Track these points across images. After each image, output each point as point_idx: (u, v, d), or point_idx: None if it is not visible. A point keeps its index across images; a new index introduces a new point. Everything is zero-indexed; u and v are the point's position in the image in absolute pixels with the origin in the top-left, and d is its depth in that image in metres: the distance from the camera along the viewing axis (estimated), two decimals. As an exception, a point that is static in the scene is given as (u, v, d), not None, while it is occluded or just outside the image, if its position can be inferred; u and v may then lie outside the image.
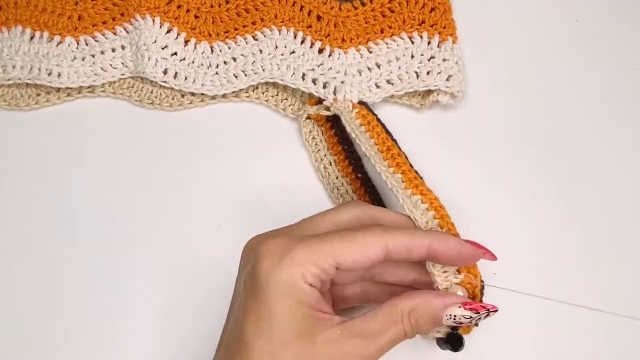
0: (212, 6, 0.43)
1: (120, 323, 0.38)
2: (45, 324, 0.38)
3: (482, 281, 0.31)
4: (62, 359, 0.37)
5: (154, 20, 0.42)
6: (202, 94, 0.42)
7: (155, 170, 0.41)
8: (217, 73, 0.41)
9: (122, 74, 0.42)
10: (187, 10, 0.42)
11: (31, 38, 0.43)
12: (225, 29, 0.42)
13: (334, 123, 0.40)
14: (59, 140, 0.42)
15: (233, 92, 0.42)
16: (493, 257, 0.31)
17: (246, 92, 0.42)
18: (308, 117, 0.41)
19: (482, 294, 0.31)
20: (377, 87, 0.40)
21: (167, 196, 0.41)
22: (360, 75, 0.40)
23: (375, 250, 0.28)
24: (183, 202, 0.40)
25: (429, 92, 0.40)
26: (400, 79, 0.40)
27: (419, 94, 0.41)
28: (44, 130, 0.43)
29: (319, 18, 0.41)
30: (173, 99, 0.42)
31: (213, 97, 0.42)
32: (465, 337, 0.31)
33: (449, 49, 0.40)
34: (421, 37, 0.41)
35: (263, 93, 0.42)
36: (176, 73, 0.41)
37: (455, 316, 0.29)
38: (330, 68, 0.40)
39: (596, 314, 0.30)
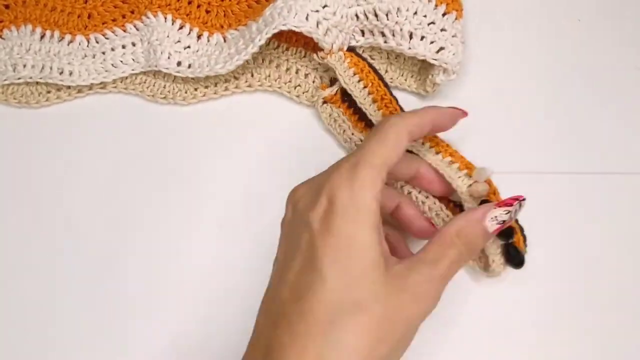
0: (222, 0, 0.43)
1: (120, 322, 0.38)
2: (47, 323, 0.38)
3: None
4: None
5: (165, 18, 0.42)
6: (216, 84, 0.42)
7: (168, 165, 0.41)
8: (229, 54, 0.41)
9: (133, 70, 0.42)
10: (198, 6, 0.43)
11: (41, 37, 0.43)
12: (237, 20, 0.42)
13: (351, 102, 0.40)
14: (70, 137, 0.42)
15: (247, 81, 0.42)
16: (464, 113, 0.35)
17: (259, 82, 0.42)
18: (324, 102, 0.41)
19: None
20: (370, 33, 0.40)
21: (182, 191, 0.40)
22: (357, 20, 0.39)
23: (405, 141, 0.30)
24: (201, 196, 0.40)
25: (426, 73, 0.40)
26: (392, 34, 0.39)
27: (419, 78, 0.41)
28: (55, 127, 0.42)
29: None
30: (186, 92, 0.42)
31: (226, 88, 0.42)
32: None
33: (450, 21, 0.39)
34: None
35: (276, 80, 0.42)
36: (190, 64, 0.41)
37: (495, 217, 0.31)
38: (334, 13, 0.39)
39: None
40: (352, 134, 0.40)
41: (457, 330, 0.36)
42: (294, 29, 0.38)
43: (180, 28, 0.42)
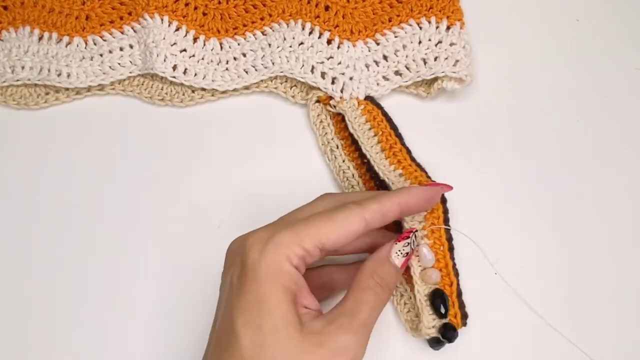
0: (219, 2, 0.43)
1: (120, 320, 0.38)
2: (49, 322, 0.38)
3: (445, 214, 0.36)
4: (65, 357, 0.37)
5: (162, 19, 0.42)
6: (213, 89, 0.42)
7: (166, 166, 0.41)
8: (227, 69, 0.42)
9: (131, 72, 0.42)
10: (195, 8, 0.43)
11: (40, 39, 0.43)
12: (234, 26, 0.43)
13: None
14: (68, 139, 0.42)
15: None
16: (449, 187, 0.36)
17: (256, 83, 0.42)
18: (317, 101, 0.41)
19: (450, 243, 0.36)
20: (385, 79, 0.41)
21: (179, 192, 0.41)
22: (368, 70, 0.41)
23: (356, 224, 0.30)
24: (196, 198, 0.40)
25: (434, 79, 0.41)
26: (408, 69, 0.40)
27: (425, 83, 0.42)
28: (53, 129, 0.43)
29: (327, 8, 0.42)
30: (184, 94, 0.43)
31: (224, 92, 0.42)
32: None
33: (456, 33, 0.40)
34: (429, 21, 0.41)
35: (272, 81, 0.42)
36: (186, 69, 0.41)
37: (399, 251, 0.32)
38: (340, 62, 0.41)
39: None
40: (332, 138, 0.40)
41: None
42: (300, 79, 0.41)
43: (177, 30, 0.42)
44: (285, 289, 0.28)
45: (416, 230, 0.34)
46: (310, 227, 0.29)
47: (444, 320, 0.34)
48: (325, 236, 0.29)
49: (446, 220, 0.36)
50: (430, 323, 0.34)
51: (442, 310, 0.34)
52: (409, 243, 0.33)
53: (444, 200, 0.36)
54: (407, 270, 0.35)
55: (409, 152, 0.39)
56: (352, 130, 0.39)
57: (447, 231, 0.36)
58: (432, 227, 0.35)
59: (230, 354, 0.27)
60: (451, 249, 0.36)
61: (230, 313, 0.28)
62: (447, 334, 0.34)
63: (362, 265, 0.31)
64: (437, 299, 0.34)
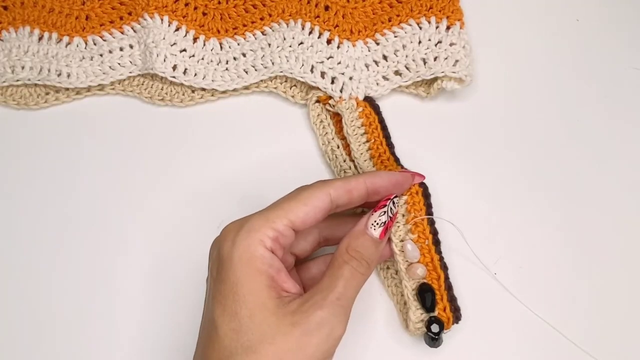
0: (219, 2, 0.43)
1: (120, 321, 0.38)
2: (49, 323, 0.38)
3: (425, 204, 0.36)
4: (66, 357, 0.38)
5: (162, 19, 0.42)
6: (213, 88, 0.42)
7: (166, 166, 0.41)
8: (227, 69, 0.42)
9: (131, 72, 0.42)
10: (195, 8, 0.43)
11: (40, 39, 0.43)
12: (233, 26, 0.43)
13: None
14: (68, 139, 0.42)
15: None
16: (421, 176, 0.36)
17: (255, 83, 0.42)
18: (317, 101, 0.41)
19: (435, 237, 0.36)
20: (385, 79, 0.41)
21: (179, 192, 0.41)
22: (368, 69, 0.41)
23: (321, 200, 0.30)
24: (196, 197, 0.41)
25: (434, 79, 0.41)
26: (408, 69, 0.40)
27: (425, 83, 0.42)
28: (53, 128, 0.43)
29: (326, 8, 0.42)
30: (184, 94, 0.43)
31: (224, 92, 0.42)
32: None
33: (456, 33, 0.40)
34: (429, 21, 0.41)
35: (272, 81, 0.43)
36: (186, 69, 0.41)
37: (375, 222, 0.32)
38: (339, 62, 0.41)
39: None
40: (332, 138, 0.40)
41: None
42: (299, 79, 0.41)
43: (177, 30, 0.42)
44: (259, 273, 0.28)
45: (395, 197, 0.33)
46: (279, 208, 0.30)
47: (432, 314, 0.34)
48: (293, 214, 0.30)
49: (429, 214, 0.36)
50: (418, 318, 0.34)
51: (428, 304, 0.34)
52: (385, 212, 0.32)
53: (426, 195, 0.36)
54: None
55: (397, 160, 0.39)
56: (345, 134, 0.39)
57: (432, 225, 0.36)
58: (414, 220, 0.35)
59: (211, 343, 0.28)
60: (436, 242, 0.36)
61: (210, 304, 0.29)
62: (431, 327, 0.33)
63: (340, 243, 0.31)
64: (424, 293, 0.34)
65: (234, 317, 0.27)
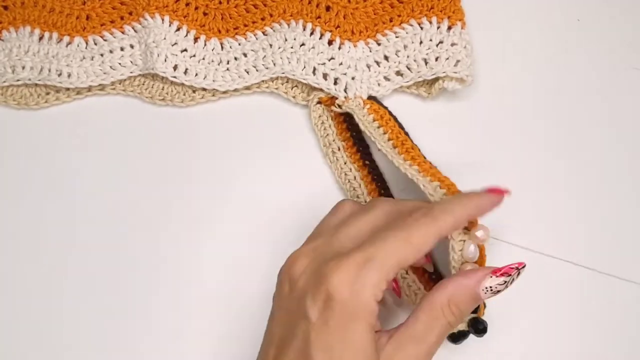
0: (220, 2, 0.43)
1: (121, 322, 0.38)
2: (51, 324, 0.38)
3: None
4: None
5: (163, 19, 0.42)
6: (214, 89, 0.42)
7: (167, 166, 0.41)
8: (228, 69, 0.42)
9: (132, 72, 0.42)
10: (196, 8, 0.43)
11: (40, 38, 0.43)
12: (234, 26, 0.43)
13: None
14: (69, 139, 0.42)
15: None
16: (506, 190, 0.32)
17: (257, 84, 0.42)
18: (319, 102, 0.41)
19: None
20: (387, 79, 0.41)
21: (180, 192, 0.41)
22: (369, 70, 0.41)
23: (431, 243, 0.29)
24: (196, 198, 0.41)
25: (435, 79, 0.41)
26: (409, 69, 0.40)
27: (427, 83, 0.42)
28: (54, 128, 0.43)
29: (327, 9, 0.42)
30: (184, 94, 0.43)
31: (225, 92, 0.42)
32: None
33: (457, 33, 0.40)
34: (430, 22, 0.41)
35: (273, 81, 0.43)
36: (186, 69, 0.41)
37: (491, 287, 0.29)
38: (341, 63, 0.41)
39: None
40: (333, 140, 0.40)
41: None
42: (302, 80, 0.40)
43: (177, 30, 0.42)
44: (370, 327, 0.27)
45: (523, 266, 0.30)
46: (392, 255, 0.28)
47: (473, 315, 0.33)
48: (404, 260, 0.28)
49: None
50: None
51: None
52: (506, 282, 0.29)
53: None
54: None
55: (419, 149, 0.38)
56: (363, 129, 0.39)
57: None
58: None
59: None
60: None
61: (308, 348, 0.27)
62: (478, 327, 0.32)
63: (439, 288, 0.29)
64: None
65: None
